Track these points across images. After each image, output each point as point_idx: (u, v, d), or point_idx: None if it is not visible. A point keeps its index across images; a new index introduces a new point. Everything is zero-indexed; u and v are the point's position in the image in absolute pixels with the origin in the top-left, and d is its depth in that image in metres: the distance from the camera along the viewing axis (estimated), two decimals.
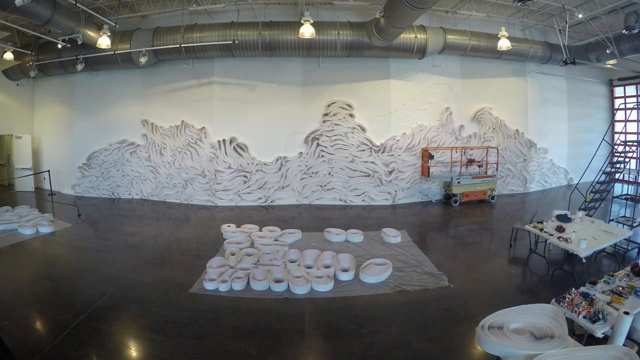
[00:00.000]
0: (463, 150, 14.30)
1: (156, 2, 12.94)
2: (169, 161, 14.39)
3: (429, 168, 13.56)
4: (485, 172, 14.28)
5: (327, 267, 7.90)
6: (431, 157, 13.83)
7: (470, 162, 14.22)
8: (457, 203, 13.67)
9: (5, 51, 13.16)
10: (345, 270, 7.69)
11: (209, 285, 7.17)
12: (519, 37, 14.31)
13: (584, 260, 7.31)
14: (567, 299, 5.21)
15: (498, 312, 4.75)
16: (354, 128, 13.80)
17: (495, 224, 12.00)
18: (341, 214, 12.89)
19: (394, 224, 11.01)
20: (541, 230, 8.19)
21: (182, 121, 14.13)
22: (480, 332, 4.40)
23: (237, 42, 12.32)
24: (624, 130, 14.16)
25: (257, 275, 7.45)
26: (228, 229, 10.37)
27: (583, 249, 7.14)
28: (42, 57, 14.01)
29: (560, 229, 7.95)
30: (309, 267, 7.96)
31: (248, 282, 7.27)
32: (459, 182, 13.62)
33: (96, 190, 15.27)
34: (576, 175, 16.70)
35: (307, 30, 10.94)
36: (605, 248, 8.05)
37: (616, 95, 17.74)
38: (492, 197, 14.07)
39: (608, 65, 15.29)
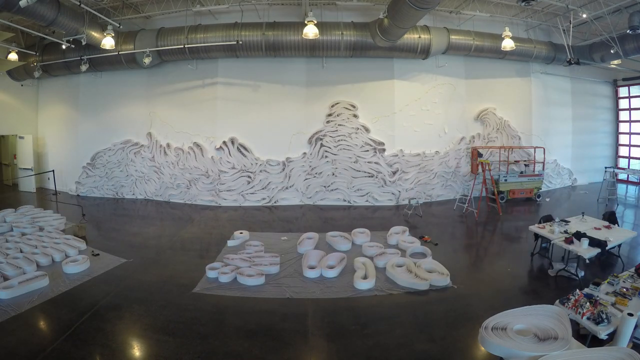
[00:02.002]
0: (511, 149, 14.69)
1: (160, 3, 12.99)
2: (172, 161, 14.43)
3: (478, 165, 13.75)
4: (533, 171, 14.69)
5: (331, 267, 7.93)
6: (480, 155, 14.22)
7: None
8: (504, 200, 13.93)
9: (10, 52, 13.21)
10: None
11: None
12: (522, 37, 14.27)
13: (587, 261, 7.30)
14: (571, 300, 5.20)
15: (502, 313, 4.74)
16: (358, 128, 13.79)
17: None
18: (345, 214, 12.89)
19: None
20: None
21: (186, 122, 14.20)
22: (483, 333, 4.39)
23: (240, 42, 12.34)
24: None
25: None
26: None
27: (586, 250, 7.12)
28: (47, 58, 14.09)
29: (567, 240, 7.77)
30: (312, 267, 7.97)
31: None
32: (505, 180, 13.94)
33: (100, 190, 15.33)
34: (580, 176, 16.71)
35: (310, 31, 10.95)
36: (610, 249, 8.01)
37: (620, 95, 17.67)
38: (538, 196, 14.34)
39: (612, 66, 15.24)
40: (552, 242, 7.91)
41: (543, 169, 14.91)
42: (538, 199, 14.21)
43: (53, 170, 15.55)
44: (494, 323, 4.54)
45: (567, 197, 14.85)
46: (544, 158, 14.96)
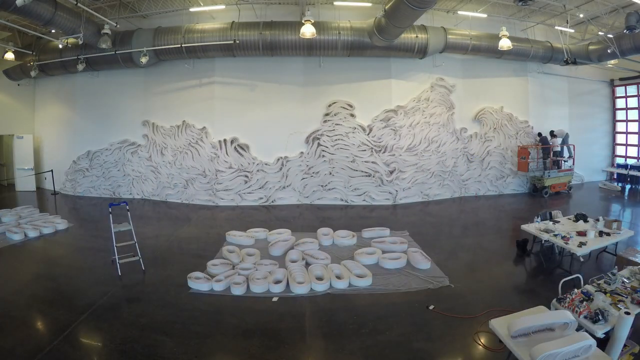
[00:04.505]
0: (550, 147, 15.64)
1: (157, 2, 12.94)
2: (170, 161, 14.40)
3: (527, 164, 14.87)
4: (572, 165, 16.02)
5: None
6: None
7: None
8: (547, 194, 14.79)
9: (7, 51, 13.18)
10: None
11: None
12: (520, 37, 14.27)
13: (581, 259, 7.33)
14: (567, 299, 5.21)
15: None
16: (355, 128, 13.79)
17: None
18: (342, 214, 12.88)
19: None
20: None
21: (183, 121, 14.16)
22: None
23: (238, 42, 12.33)
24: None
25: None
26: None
27: (579, 248, 7.17)
28: (43, 57, 14.04)
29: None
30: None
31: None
32: (549, 176, 14.81)
33: (97, 190, 15.29)
34: (577, 176, 16.72)
35: (308, 30, 10.92)
36: (607, 247, 8.04)
37: (617, 95, 17.70)
38: (570, 188, 15.45)
39: (609, 65, 15.27)
40: (547, 240, 7.93)
41: (573, 164, 15.83)
42: (570, 191, 15.20)
43: (52, 170, 15.51)
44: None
45: (566, 195, 14.88)
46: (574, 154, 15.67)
